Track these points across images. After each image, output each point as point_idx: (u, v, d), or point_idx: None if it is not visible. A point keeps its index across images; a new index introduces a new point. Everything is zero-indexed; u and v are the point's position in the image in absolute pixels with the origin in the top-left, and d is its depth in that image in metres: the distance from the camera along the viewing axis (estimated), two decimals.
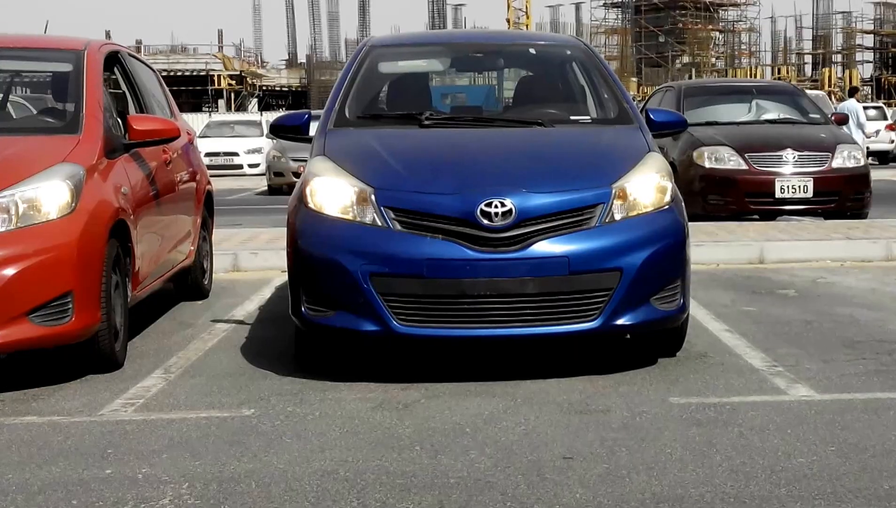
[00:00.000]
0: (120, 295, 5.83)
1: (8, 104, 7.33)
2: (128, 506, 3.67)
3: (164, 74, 9.87)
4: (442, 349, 5.73)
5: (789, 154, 12.18)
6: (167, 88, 8.57)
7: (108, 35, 49.69)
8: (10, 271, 5.12)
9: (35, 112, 8.57)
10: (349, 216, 5.29)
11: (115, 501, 3.71)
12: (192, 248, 7.83)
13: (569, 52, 6.98)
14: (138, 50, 52.98)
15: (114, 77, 7.15)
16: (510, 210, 5.11)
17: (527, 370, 5.46)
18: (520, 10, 67.27)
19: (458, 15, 78.36)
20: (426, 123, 6.01)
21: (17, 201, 5.29)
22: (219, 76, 61.78)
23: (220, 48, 65.52)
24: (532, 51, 7.21)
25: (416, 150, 5.79)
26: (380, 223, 5.20)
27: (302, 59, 73.31)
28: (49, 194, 5.38)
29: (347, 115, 6.17)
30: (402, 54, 7.14)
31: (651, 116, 6.29)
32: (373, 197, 5.26)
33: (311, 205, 5.43)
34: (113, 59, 7.10)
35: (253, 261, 9.57)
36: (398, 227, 5.18)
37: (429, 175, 5.39)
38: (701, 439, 4.32)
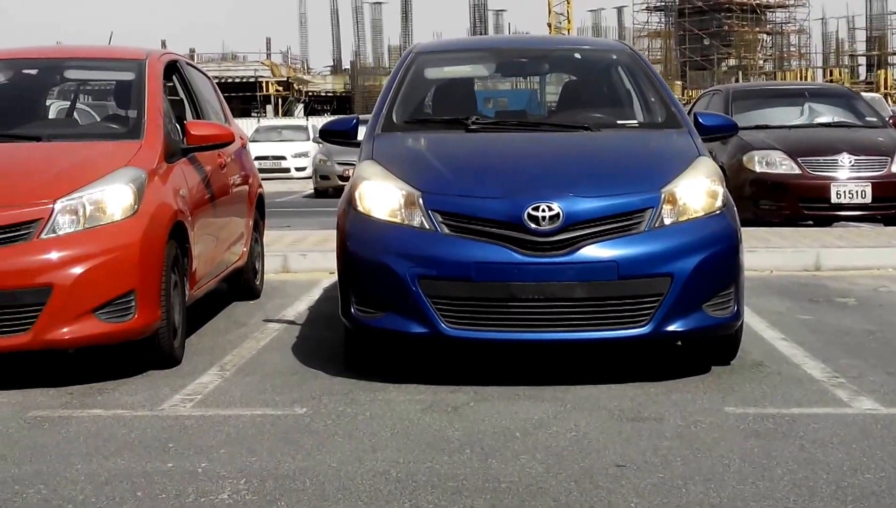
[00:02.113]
0: (178, 294, 6.04)
1: (74, 112, 7.62)
2: (189, 499, 3.84)
3: (216, 80, 10.15)
4: (490, 352, 5.82)
5: (845, 158, 11.92)
6: (221, 95, 8.79)
7: (163, 44, 50.29)
8: (78, 270, 5.35)
9: (98, 119, 8.86)
10: (397, 219, 5.42)
11: (177, 494, 3.89)
12: (245, 249, 8.03)
13: (614, 57, 7.04)
14: (192, 58, 53.62)
15: (172, 85, 7.38)
16: (558, 214, 5.17)
17: (576, 374, 5.51)
18: (561, 14, 67.18)
19: (499, 20, 78.46)
20: (472, 127, 6.13)
21: (85, 203, 5.52)
22: (267, 83, 62.33)
23: (268, 56, 66.09)
24: (577, 55, 7.29)
25: (463, 154, 5.91)
26: (427, 226, 5.32)
27: (346, 65, 73.75)
28: (114, 197, 5.61)
29: (395, 119, 6.30)
30: (448, 60, 7.26)
31: (700, 120, 6.30)
32: (420, 200, 5.38)
33: (359, 208, 5.57)
34: (172, 68, 7.34)
35: (302, 263, 9.77)
36: (446, 230, 5.29)
37: (476, 179, 5.49)
38: (760, 451, 4.25)
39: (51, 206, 5.46)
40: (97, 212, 5.55)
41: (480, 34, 66.66)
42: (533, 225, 5.17)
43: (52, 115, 8.15)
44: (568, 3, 67.50)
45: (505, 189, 5.34)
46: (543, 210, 5.18)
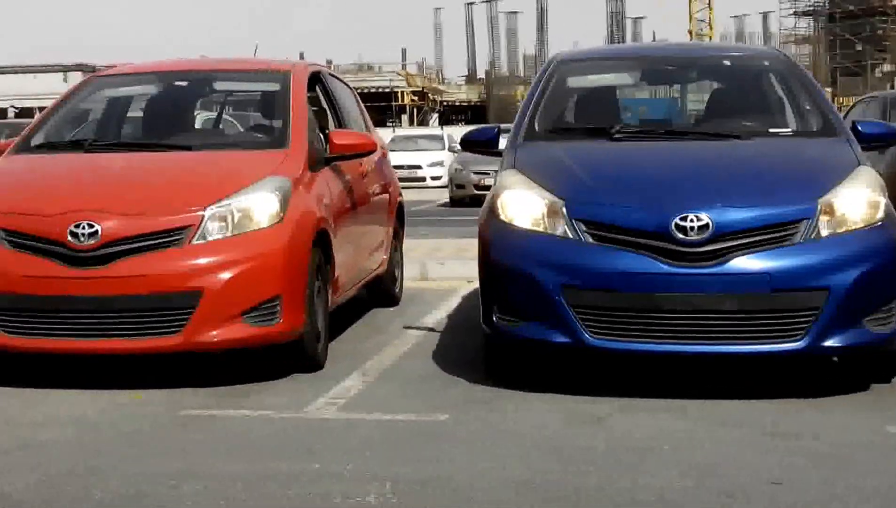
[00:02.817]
0: (322, 300, 6.15)
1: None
2: (336, 500, 3.91)
3: None
4: (634, 364, 5.77)
5: None
6: (362, 105, 8.93)
7: (301, 56, 51.27)
8: (227, 275, 5.51)
9: (241, 129, 9.09)
10: (540, 228, 5.41)
11: (324, 494, 3.96)
12: (385, 257, 8.14)
13: (766, 63, 6.91)
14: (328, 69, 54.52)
15: (316, 95, 7.53)
16: (706, 224, 5.08)
17: (723, 389, 5.41)
18: (702, 21, 66.07)
19: (637, 28, 77.74)
20: (617, 136, 6.09)
21: (233, 211, 5.67)
22: (402, 92, 63.04)
23: (404, 66, 66.80)
24: (727, 62, 7.14)
25: (608, 163, 5.87)
26: (571, 236, 5.30)
27: (481, 74, 74.19)
28: (260, 204, 5.75)
29: (537, 128, 6.29)
30: (591, 68, 7.22)
31: (859, 128, 6.09)
32: (564, 209, 5.36)
33: (502, 217, 5.57)
34: (315, 79, 7.49)
35: (440, 270, 9.85)
36: (590, 239, 5.26)
37: (621, 188, 5.44)
38: None
39: (201, 213, 5.63)
40: (244, 219, 5.70)
41: (618, 42, 66.05)
42: (680, 235, 5.10)
43: (198, 125, 8.41)
44: (710, 8, 66.26)
45: (651, 199, 5.28)
46: (692, 220, 5.10)
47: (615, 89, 7.22)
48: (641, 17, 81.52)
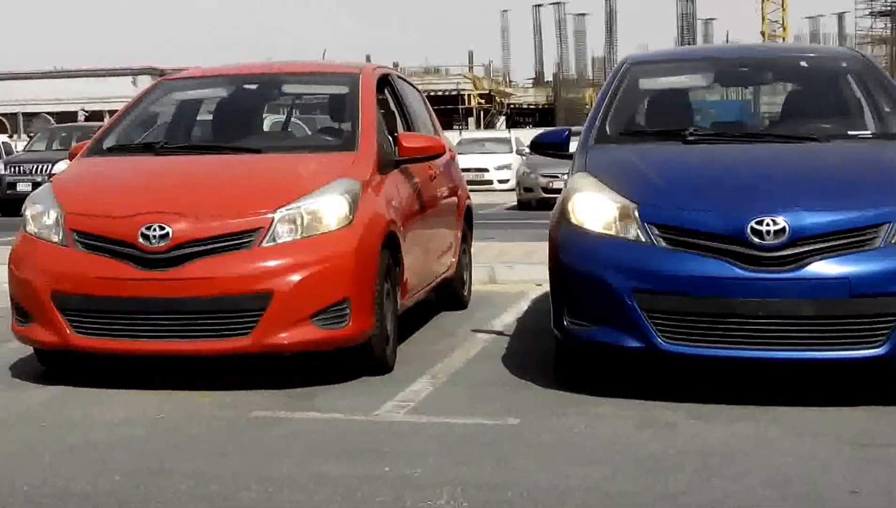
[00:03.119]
0: (390, 303, 6.14)
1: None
2: (406, 503, 3.89)
3: None
4: (707, 369, 5.68)
5: None
6: (431, 108, 8.91)
7: (368, 58, 51.57)
8: (296, 278, 5.50)
9: (308, 132, 9.10)
10: (612, 232, 5.34)
11: (395, 498, 3.94)
12: (454, 260, 8.11)
13: (844, 65, 6.79)
14: None
15: (384, 98, 7.53)
16: (783, 228, 4.99)
17: (798, 395, 5.32)
18: (775, 22, 65.19)
19: (708, 29, 76.67)
20: (690, 139, 6.01)
21: (303, 213, 5.67)
22: (469, 95, 62.98)
23: (471, 68, 66.77)
24: (803, 63, 7.02)
25: (681, 166, 5.79)
26: (644, 239, 5.23)
27: (548, 77, 73.81)
28: (330, 207, 5.75)
29: (608, 131, 6.23)
30: (663, 70, 7.12)
31: None
32: (636, 213, 5.29)
33: (573, 220, 5.52)
34: (384, 82, 7.49)
35: (508, 274, 9.80)
36: (663, 243, 5.19)
37: (695, 191, 5.36)
38: None
39: (271, 215, 5.64)
40: (314, 222, 5.70)
41: (688, 44, 65.35)
42: (756, 239, 5.01)
43: (265, 128, 8.45)
44: (783, 9, 65.38)
45: (726, 202, 5.20)
46: (768, 224, 5.01)
47: (688, 92, 7.14)
48: (712, 19, 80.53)
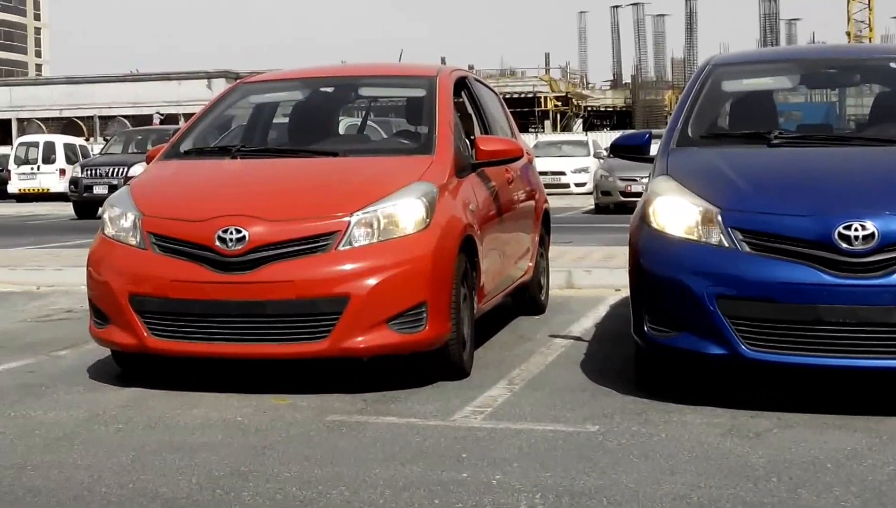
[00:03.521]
0: (467, 307, 6.08)
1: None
2: None
3: None
4: (793, 377, 5.56)
5: None
6: (508, 110, 8.85)
7: (443, 61, 51.66)
8: (372, 281, 5.47)
9: (383, 135, 9.08)
10: (694, 237, 5.24)
11: (474, 504, 3.87)
12: (531, 264, 8.03)
13: None
14: None
15: (461, 101, 7.47)
16: (872, 233, 4.86)
17: (890, 405, 5.18)
18: (862, 22, 64.08)
19: (791, 30, 75.42)
20: (775, 142, 5.88)
21: (379, 217, 5.64)
22: (545, 98, 62.77)
23: (547, 70, 66.54)
24: (893, 64, 6.82)
25: (766, 169, 5.66)
26: (727, 244, 5.12)
27: (627, 79, 73.24)
28: (406, 211, 5.71)
29: (690, 134, 6.12)
30: (748, 72, 6.96)
31: None
32: (719, 218, 5.19)
33: (654, 225, 5.43)
34: (461, 84, 7.44)
35: (587, 279, 9.70)
36: (747, 248, 5.07)
37: (780, 196, 5.24)
38: None
39: (348, 219, 5.61)
40: (390, 225, 5.66)
41: (771, 45, 64.41)
42: (844, 245, 4.88)
43: (341, 131, 8.44)
44: (870, 9, 64.30)
45: (813, 207, 5.07)
46: (856, 229, 4.88)
47: (772, 94, 6.99)
48: (796, 19, 78.68)
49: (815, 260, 4.92)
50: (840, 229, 4.90)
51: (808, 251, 4.95)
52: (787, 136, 6.06)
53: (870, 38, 62.48)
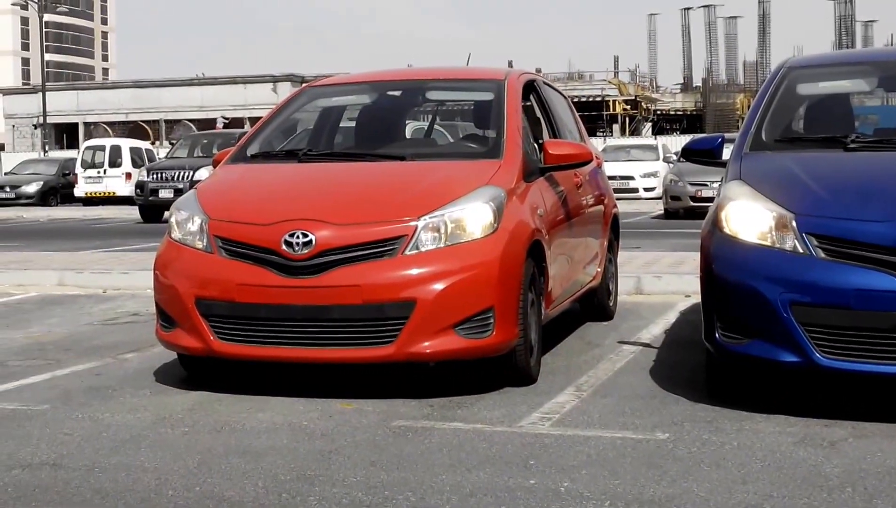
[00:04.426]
0: (535, 313, 6.01)
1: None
2: None
3: None
4: (869, 386, 5.44)
5: None
6: (577, 114, 8.77)
7: (510, 64, 51.57)
8: (439, 286, 5.43)
9: (450, 138, 9.01)
10: (767, 242, 5.15)
11: None
12: (599, 270, 7.95)
13: None
14: None
15: (530, 104, 7.41)
16: None
17: None
18: None
19: (868, 32, 74.13)
20: (851, 146, 5.76)
21: (446, 221, 5.60)
22: (614, 101, 62.42)
23: (616, 74, 66.17)
24: None
25: (842, 174, 5.54)
26: (801, 250, 5.03)
27: (697, 82, 72.53)
28: (474, 215, 5.66)
29: (764, 138, 6.03)
30: (824, 74, 6.84)
31: None
32: (794, 223, 5.09)
33: (726, 230, 5.34)
34: (529, 88, 7.37)
35: (656, 285, 9.59)
36: (822, 255, 4.98)
37: (857, 201, 5.13)
38: None
39: (414, 223, 5.57)
40: (458, 230, 5.61)
41: (847, 47, 63.37)
42: None
43: (407, 135, 8.40)
44: None
45: (890, 213, 4.95)
46: None
47: (849, 97, 6.84)
48: (873, 21, 77.34)
49: (892, 267, 4.81)
50: None
51: (884, 258, 4.84)
52: (863, 140, 5.93)
53: None
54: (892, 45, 57.39)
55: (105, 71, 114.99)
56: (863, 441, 4.67)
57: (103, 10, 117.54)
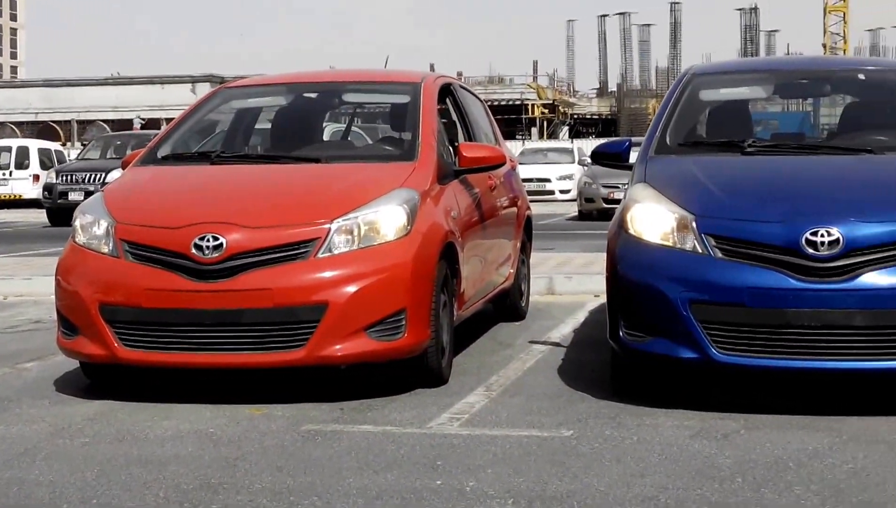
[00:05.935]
0: (447, 314, 6.08)
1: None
2: None
3: None
4: (761, 380, 5.63)
5: None
6: (492, 117, 8.87)
7: (431, 67, 51.57)
8: (351, 289, 5.46)
9: (369, 141, 9.05)
10: (669, 243, 5.31)
11: None
12: (512, 271, 8.05)
13: None
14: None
15: (446, 107, 7.48)
16: (837, 239, 4.98)
17: (851, 405, 5.29)
18: (837, 34, 64.92)
19: (771, 41, 76.19)
20: (749, 150, 5.95)
21: (360, 224, 5.63)
22: (532, 105, 62.86)
23: (535, 78, 66.64)
24: (861, 76, 7.01)
25: (739, 177, 5.75)
26: (700, 250, 5.20)
27: (612, 87, 73.49)
28: (387, 218, 5.70)
29: (668, 142, 6.20)
30: (725, 81, 7.07)
31: None
32: (694, 224, 5.26)
33: (631, 231, 5.49)
34: (446, 91, 7.44)
35: (567, 285, 9.74)
36: (719, 254, 5.16)
37: (752, 203, 5.33)
38: None
39: (328, 226, 5.59)
40: (371, 232, 5.65)
41: (751, 55, 65.00)
42: (811, 250, 5.00)
43: (325, 137, 8.42)
44: (845, 22, 65.32)
45: (782, 214, 5.17)
46: (822, 235, 5.00)
47: (748, 103, 7.11)
48: (775, 31, 79.90)
49: (784, 265, 5.03)
50: (807, 235, 5.02)
51: (777, 257, 5.05)
52: (760, 144, 6.15)
53: (844, 50, 63.21)
54: (789, 53, 58.94)
55: (14, 69, 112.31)
56: (754, 433, 4.85)
57: (12, 5, 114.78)
